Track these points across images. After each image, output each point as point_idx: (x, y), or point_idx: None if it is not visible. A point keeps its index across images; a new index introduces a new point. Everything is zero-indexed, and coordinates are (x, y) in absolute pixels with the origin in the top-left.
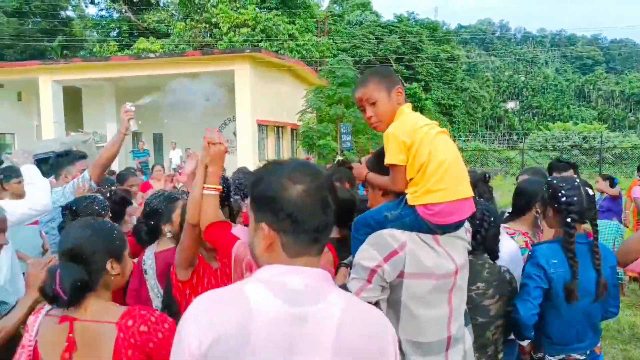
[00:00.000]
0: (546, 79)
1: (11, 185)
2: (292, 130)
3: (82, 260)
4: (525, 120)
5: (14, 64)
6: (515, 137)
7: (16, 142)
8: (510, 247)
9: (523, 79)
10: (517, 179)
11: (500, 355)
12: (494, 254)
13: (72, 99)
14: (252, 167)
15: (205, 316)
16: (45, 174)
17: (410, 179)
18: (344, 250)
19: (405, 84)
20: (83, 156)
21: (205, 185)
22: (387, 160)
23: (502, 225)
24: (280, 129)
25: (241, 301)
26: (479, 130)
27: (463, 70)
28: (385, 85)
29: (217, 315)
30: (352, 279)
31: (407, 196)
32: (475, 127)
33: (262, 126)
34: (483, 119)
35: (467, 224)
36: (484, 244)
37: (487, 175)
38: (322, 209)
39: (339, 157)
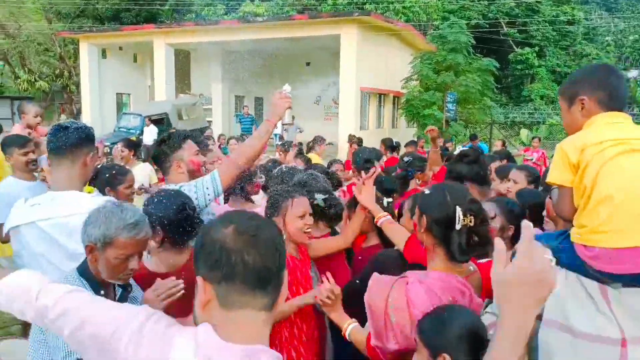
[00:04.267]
0: None
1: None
2: (394, 98)
3: None
4: None
5: (133, 28)
6: (636, 111)
7: (132, 101)
8: None
9: None
10: None
11: None
12: None
13: (182, 62)
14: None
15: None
16: (160, 133)
17: (578, 207)
18: None
19: (516, 49)
20: (189, 136)
21: (377, 217)
22: (547, 177)
23: None
24: (382, 96)
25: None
26: None
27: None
28: (568, 94)
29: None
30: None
31: (571, 230)
32: None
33: (364, 93)
34: None
35: None
36: None
37: None
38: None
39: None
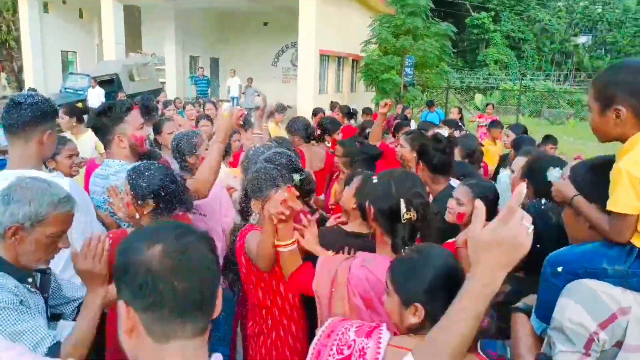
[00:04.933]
0: (626, 11)
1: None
2: (353, 61)
3: None
4: (596, 57)
5: None
6: (583, 76)
7: (78, 60)
8: None
9: (600, 10)
10: None
11: None
12: None
13: (132, 19)
14: (312, 101)
15: None
16: (109, 95)
17: None
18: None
19: (473, 14)
20: (131, 107)
21: (277, 243)
22: (612, 206)
23: None
24: (341, 59)
25: None
26: (545, 66)
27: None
28: (603, 96)
29: None
30: (562, 352)
31: None
32: (542, 63)
33: (323, 56)
34: (549, 54)
35: None
36: None
37: None
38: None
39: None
